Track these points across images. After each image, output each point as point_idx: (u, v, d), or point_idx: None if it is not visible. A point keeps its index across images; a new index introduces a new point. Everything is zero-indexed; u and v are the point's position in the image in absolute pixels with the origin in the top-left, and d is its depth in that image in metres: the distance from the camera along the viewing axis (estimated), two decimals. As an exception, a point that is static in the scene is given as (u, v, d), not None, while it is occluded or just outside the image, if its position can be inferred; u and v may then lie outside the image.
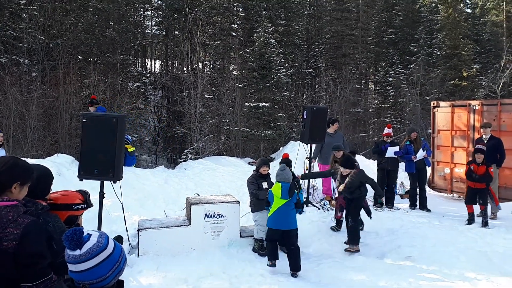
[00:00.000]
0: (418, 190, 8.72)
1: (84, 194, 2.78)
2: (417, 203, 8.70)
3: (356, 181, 6.10)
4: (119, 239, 2.79)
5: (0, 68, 13.66)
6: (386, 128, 9.02)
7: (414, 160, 8.50)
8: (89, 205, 2.79)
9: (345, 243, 6.06)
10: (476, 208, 7.55)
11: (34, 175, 2.30)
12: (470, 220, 7.50)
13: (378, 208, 8.54)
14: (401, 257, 5.81)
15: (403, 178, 9.98)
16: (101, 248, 1.83)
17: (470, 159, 7.96)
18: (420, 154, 8.50)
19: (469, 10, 30.42)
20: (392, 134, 8.92)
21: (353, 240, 5.96)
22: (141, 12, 26.62)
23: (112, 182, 5.05)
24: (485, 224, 7.29)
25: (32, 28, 16.15)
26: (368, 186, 6.33)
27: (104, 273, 1.84)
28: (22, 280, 2.04)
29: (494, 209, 8.10)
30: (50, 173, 2.64)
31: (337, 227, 6.88)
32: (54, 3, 17.48)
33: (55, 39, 16.69)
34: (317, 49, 27.45)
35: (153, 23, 27.83)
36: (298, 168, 8.78)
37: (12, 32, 15.29)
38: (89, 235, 1.85)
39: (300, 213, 5.80)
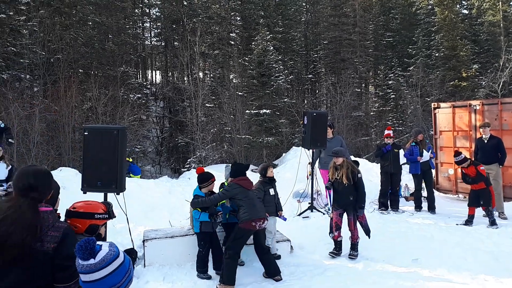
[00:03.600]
0: (426, 191, 8.70)
1: (107, 205, 2.84)
2: (422, 205, 8.66)
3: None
4: (132, 252, 2.79)
5: (2, 84, 13.76)
6: (386, 130, 9.05)
7: (420, 161, 8.49)
8: (111, 216, 2.84)
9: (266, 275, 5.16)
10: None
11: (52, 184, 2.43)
12: (468, 222, 7.46)
13: (383, 212, 8.51)
14: (408, 259, 5.77)
15: (407, 180, 9.96)
16: (114, 256, 1.85)
17: (472, 159, 7.99)
18: (426, 155, 8.50)
19: (465, 11, 30.48)
20: (392, 134, 8.91)
21: (224, 278, 4.84)
22: (140, 24, 26.82)
23: (115, 193, 5.06)
24: (492, 223, 7.29)
25: (32, 43, 16.29)
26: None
27: (118, 281, 1.86)
28: (60, 281, 2.14)
29: (501, 208, 8.08)
30: (57, 184, 2.68)
31: (336, 251, 5.98)
32: (54, 18, 17.63)
33: (55, 54, 16.83)
34: (316, 55, 27.56)
35: (152, 34, 28.02)
36: (301, 174, 8.78)
37: (12, 48, 15.43)
38: (100, 245, 1.87)
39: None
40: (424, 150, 8.55)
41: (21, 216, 2.03)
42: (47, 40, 16.66)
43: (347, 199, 5.83)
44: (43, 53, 16.29)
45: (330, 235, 6.01)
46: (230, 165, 5.59)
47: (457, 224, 7.53)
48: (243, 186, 5.09)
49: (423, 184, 8.81)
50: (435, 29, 24.70)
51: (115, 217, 2.90)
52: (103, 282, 1.82)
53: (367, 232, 5.91)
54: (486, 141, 8.20)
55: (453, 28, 24.05)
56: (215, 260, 5.31)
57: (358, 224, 5.93)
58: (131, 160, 10.19)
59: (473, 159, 8.37)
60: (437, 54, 23.73)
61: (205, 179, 5.46)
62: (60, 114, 14.44)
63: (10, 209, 2.05)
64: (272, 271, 5.15)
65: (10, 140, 7.74)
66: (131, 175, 10.02)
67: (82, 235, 2.56)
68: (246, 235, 5.04)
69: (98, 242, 1.88)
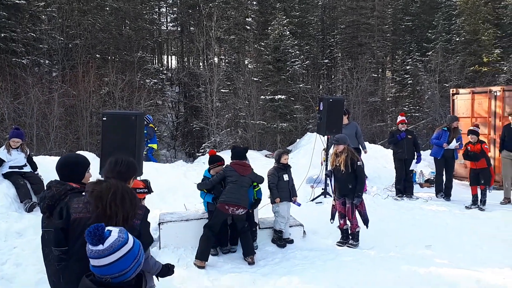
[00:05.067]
0: (444, 178, 8.66)
1: (146, 182, 3.12)
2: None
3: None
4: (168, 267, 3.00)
5: (22, 69, 14.03)
6: (399, 116, 8.96)
7: (445, 148, 8.41)
8: (150, 190, 3.11)
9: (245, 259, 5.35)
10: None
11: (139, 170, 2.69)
12: (475, 201, 7.79)
13: (398, 198, 8.49)
14: (421, 246, 5.79)
15: (422, 167, 9.86)
16: (122, 243, 1.90)
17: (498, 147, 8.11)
18: (453, 144, 8.43)
19: (489, -6, 29.44)
20: (406, 120, 8.82)
21: (198, 254, 5.15)
22: (156, 9, 26.79)
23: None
24: (483, 203, 7.66)
25: (51, 29, 16.51)
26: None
27: (126, 267, 1.91)
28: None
29: (507, 194, 8.08)
30: (87, 161, 2.98)
31: (343, 240, 5.93)
32: (72, 4, 17.80)
33: (73, 39, 17.04)
34: (332, 40, 27.15)
35: (168, 19, 28.02)
36: (315, 160, 8.79)
37: (32, 34, 15.66)
38: (110, 231, 1.91)
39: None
40: (454, 139, 8.43)
41: (125, 195, 2.27)
42: (65, 25, 16.87)
43: (346, 187, 5.75)
44: (62, 38, 16.51)
45: (331, 221, 6.00)
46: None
47: (466, 207, 7.76)
48: (236, 170, 5.33)
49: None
50: (457, 12, 23.96)
51: (153, 191, 3.17)
52: (111, 267, 1.87)
53: (366, 221, 5.80)
54: None
55: (476, 12, 23.28)
56: (231, 237, 5.61)
57: (357, 214, 5.84)
58: (156, 128, 10.95)
59: (498, 145, 8.66)
60: (457, 39, 23.06)
61: (213, 161, 5.72)
62: (78, 99, 14.68)
63: (112, 188, 2.26)
64: (245, 251, 5.37)
65: None
66: (147, 139, 10.38)
67: None
68: (219, 216, 5.27)
69: (108, 228, 1.93)
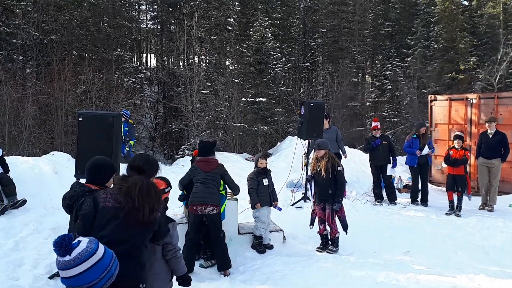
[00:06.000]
0: (420, 184, 8.70)
1: (165, 179, 3.29)
2: (418, 198, 8.68)
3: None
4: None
5: (-6, 65, 13.51)
6: (373, 122, 9.02)
7: (418, 155, 8.49)
8: (171, 187, 3.35)
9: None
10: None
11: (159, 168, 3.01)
12: (452, 207, 7.90)
13: (377, 203, 8.54)
14: (399, 252, 5.82)
15: (400, 172, 9.97)
16: (90, 253, 1.85)
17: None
18: (426, 150, 8.50)
19: (466, 3, 30.18)
20: (379, 126, 8.87)
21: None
22: (136, 7, 26.37)
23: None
24: (459, 209, 7.75)
25: (26, 24, 15.97)
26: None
27: (95, 278, 1.85)
28: (158, 240, 2.74)
29: (493, 202, 8.22)
30: (114, 167, 3.18)
31: (323, 245, 5.90)
32: (48, -1, 17.26)
33: (49, 35, 16.52)
34: (314, 43, 27.33)
35: (148, 17, 27.61)
36: (295, 164, 8.77)
37: (5, 28, 15.12)
38: (79, 241, 1.88)
39: None
40: (425, 145, 8.50)
41: (151, 188, 2.54)
42: (40, 20, 16.35)
43: (326, 192, 5.70)
44: (37, 34, 15.99)
45: (310, 226, 5.95)
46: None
47: (446, 213, 7.83)
48: (200, 168, 5.15)
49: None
50: (435, 20, 24.49)
51: (172, 187, 3.36)
52: (79, 279, 1.83)
53: (345, 227, 5.77)
54: (491, 136, 8.22)
55: (453, 20, 23.84)
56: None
57: (337, 219, 5.80)
58: (134, 124, 11.59)
59: (475, 152, 8.75)
60: (435, 46, 23.54)
61: (192, 160, 5.77)
62: (53, 97, 14.23)
63: (138, 183, 2.49)
64: (220, 264, 5.10)
65: None
66: (128, 139, 10.34)
67: None
68: (191, 219, 5.09)
69: (78, 238, 1.90)
